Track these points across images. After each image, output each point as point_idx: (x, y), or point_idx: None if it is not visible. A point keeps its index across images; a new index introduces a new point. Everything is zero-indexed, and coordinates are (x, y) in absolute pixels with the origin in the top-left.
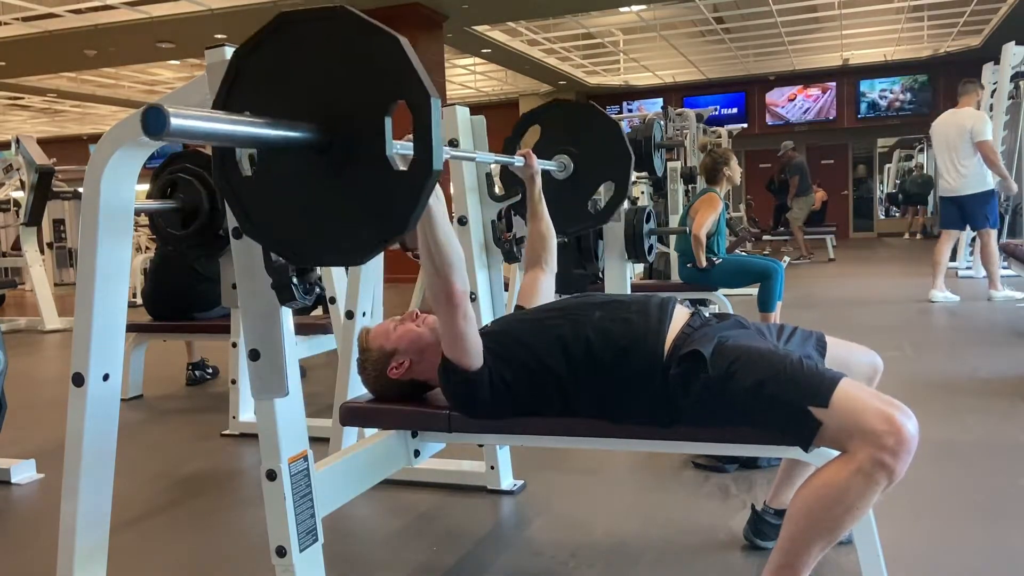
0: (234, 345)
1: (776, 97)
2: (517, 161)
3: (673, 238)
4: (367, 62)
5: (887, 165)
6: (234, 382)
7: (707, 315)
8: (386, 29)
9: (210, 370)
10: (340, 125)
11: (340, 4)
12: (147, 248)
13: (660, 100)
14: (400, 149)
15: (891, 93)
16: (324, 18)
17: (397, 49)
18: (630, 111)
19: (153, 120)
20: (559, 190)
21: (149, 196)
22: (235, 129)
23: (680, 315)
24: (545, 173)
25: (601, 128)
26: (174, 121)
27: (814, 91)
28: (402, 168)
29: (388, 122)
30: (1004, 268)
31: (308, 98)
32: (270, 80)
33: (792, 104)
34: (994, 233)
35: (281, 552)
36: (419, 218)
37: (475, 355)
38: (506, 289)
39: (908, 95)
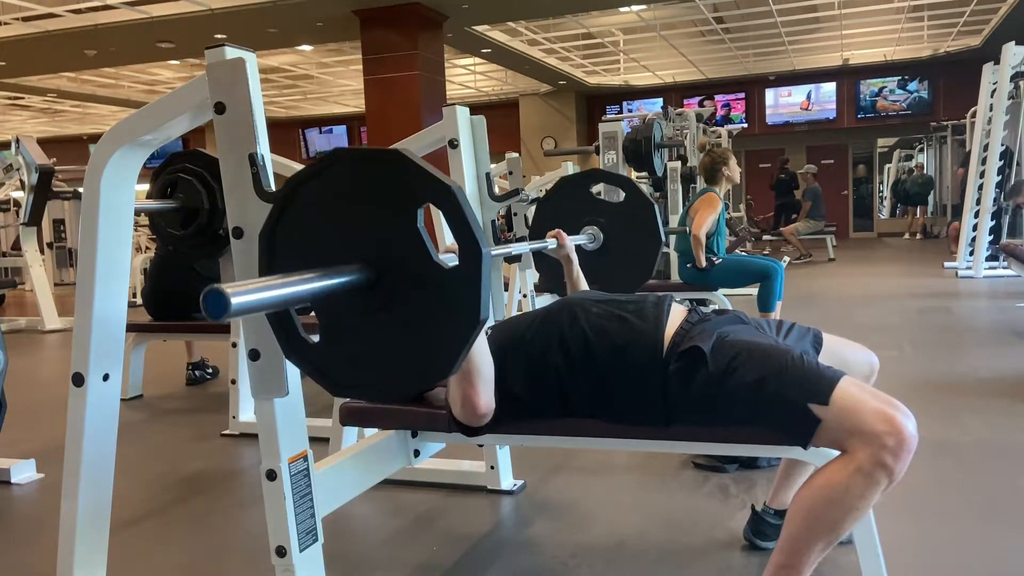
0: (234, 345)
1: (776, 96)
2: (550, 244)
3: (673, 238)
4: (381, 187)
5: (887, 165)
6: (234, 382)
7: (705, 311)
8: (384, 150)
9: (210, 370)
10: (381, 255)
11: (337, 147)
12: (147, 248)
13: (660, 100)
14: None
15: (891, 93)
16: (328, 165)
17: (401, 161)
18: (630, 111)
19: (214, 304)
20: (588, 260)
21: (149, 196)
22: (291, 291)
23: (677, 312)
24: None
25: (637, 206)
26: (235, 300)
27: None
28: (452, 264)
29: (423, 231)
30: (1004, 268)
31: (344, 245)
32: (304, 241)
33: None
34: None
35: (281, 552)
36: (488, 300)
37: (485, 420)
38: (506, 289)
39: (908, 95)
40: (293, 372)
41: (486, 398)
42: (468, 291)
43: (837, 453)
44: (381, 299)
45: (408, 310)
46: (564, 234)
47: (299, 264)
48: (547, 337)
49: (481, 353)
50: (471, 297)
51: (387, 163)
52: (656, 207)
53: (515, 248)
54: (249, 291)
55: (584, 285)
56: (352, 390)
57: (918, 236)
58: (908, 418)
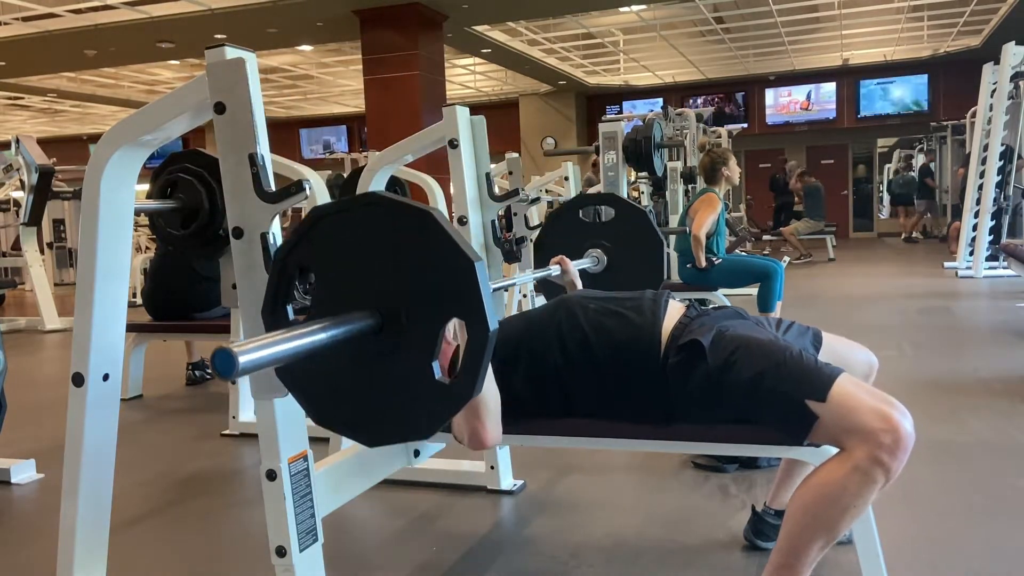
0: None
1: (776, 96)
2: (554, 271)
3: (673, 238)
4: (440, 273)
5: (887, 165)
6: (234, 382)
7: (703, 307)
8: (467, 250)
9: (210, 370)
10: (395, 318)
11: (433, 208)
12: (147, 248)
13: (660, 100)
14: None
15: (891, 93)
16: (412, 213)
17: (470, 275)
18: (632, 111)
19: (223, 364)
20: (598, 282)
21: (149, 196)
22: (300, 344)
23: (675, 308)
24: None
25: (644, 237)
26: (242, 359)
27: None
28: (443, 379)
29: (441, 332)
30: (1004, 268)
31: (371, 279)
32: (340, 246)
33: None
34: None
35: (281, 552)
36: (484, 376)
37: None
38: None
39: (908, 95)
40: None
41: (494, 432)
42: (435, 411)
43: (836, 452)
44: (381, 347)
45: (405, 366)
46: (567, 259)
47: (321, 268)
48: (546, 336)
49: (488, 388)
50: (434, 417)
51: (460, 263)
52: (648, 213)
53: (519, 279)
54: (257, 348)
55: None
56: (336, 425)
57: (916, 236)
58: (905, 416)
